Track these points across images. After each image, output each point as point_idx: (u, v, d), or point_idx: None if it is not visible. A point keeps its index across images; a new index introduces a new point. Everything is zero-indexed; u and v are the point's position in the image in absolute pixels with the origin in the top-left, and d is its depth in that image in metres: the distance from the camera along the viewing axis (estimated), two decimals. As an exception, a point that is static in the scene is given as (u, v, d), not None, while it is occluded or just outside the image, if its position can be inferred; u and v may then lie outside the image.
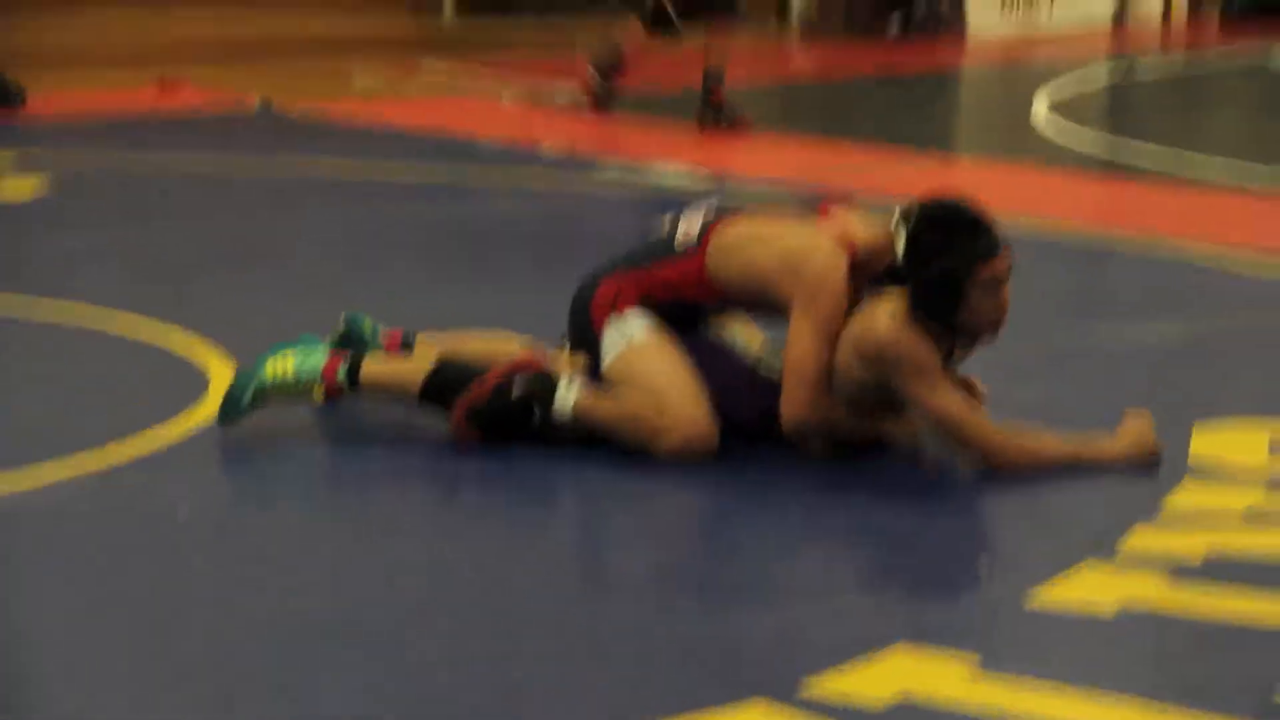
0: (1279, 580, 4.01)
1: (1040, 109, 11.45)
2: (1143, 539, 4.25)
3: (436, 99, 12.21)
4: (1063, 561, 4.12)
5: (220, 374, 5.48)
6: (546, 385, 4.84)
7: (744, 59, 15.51)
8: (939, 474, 4.72)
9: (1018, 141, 10.67)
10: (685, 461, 4.72)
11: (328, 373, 4.99)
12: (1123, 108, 12.97)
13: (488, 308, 6.42)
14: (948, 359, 4.73)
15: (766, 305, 4.85)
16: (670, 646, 3.73)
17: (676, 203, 8.40)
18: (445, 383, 4.90)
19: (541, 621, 3.85)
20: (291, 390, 4.98)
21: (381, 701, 3.47)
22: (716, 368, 4.87)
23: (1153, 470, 4.66)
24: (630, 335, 4.85)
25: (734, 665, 3.65)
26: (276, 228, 7.95)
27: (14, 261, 7.25)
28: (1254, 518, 4.39)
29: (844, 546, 4.37)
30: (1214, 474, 4.68)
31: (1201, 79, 13.74)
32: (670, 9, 10.39)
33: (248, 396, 4.94)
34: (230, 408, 4.95)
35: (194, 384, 5.41)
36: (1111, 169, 9.71)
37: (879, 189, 8.52)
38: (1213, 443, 4.87)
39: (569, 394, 4.83)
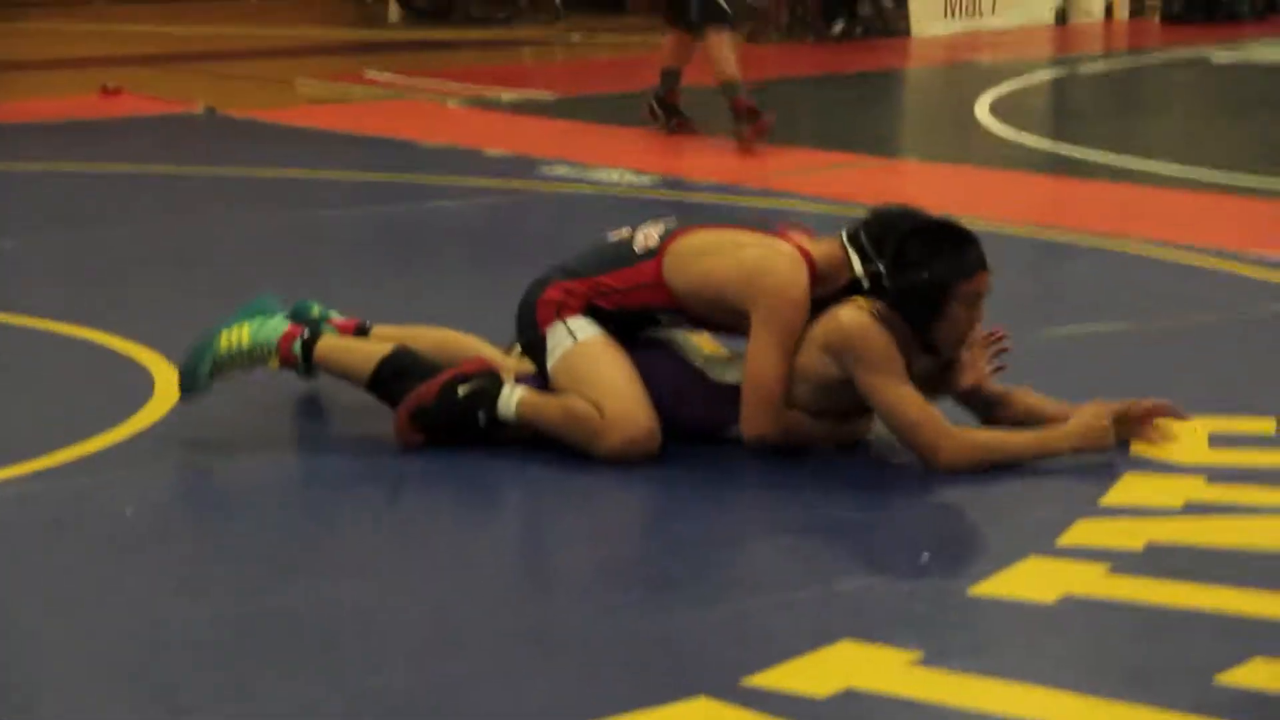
0: (1217, 570, 4.05)
1: (983, 109, 11.50)
2: (1084, 532, 4.28)
3: (381, 104, 12.20)
4: (1006, 555, 4.15)
5: (164, 375, 5.46)
6: (491, 387, 4.85)
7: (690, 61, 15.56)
8: (883, 465, 4.74)
9: (961, 142, 10.73)
10: (627, 460, 4.72)
11: (284, 342, 5.00)
12: (1066, 107, 13.05)
13: (431, 310, 6.40)
14: (907, 368, 4.76)
15: (720, 314, 4.84)
16: (615, 644, 3.74)
17: (622, 204, 8.44)
18: (396, 373, 4.90)
19: (485, 620, 3.85)
20: (247, 359, 4.98)
21: (323, 700, 3.46)
22: (661, 369, 4.88)
23: (1105, 458, 4.69)
24: (575, 335, 4.86)
25: (678, 662, 3.66)
26: (218, 231, 7.93)
27: (-45, 268, 7.22)
28: (1193, 509, 4.43)
29: (789, 542, 4.38)
30: (1155, 467, 4.72)
31: (1143, 78, 13.84)
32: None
33: (205, 368, 4.93)
34: (189, 382, 4.94)
35: (138, 387, 5.39)
36: (1055, 168, 9.77)
37: (826, 192, 8.55)
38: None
39: (512, 395, 4.84)
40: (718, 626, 3.80)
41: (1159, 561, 4.10)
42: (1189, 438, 4.90)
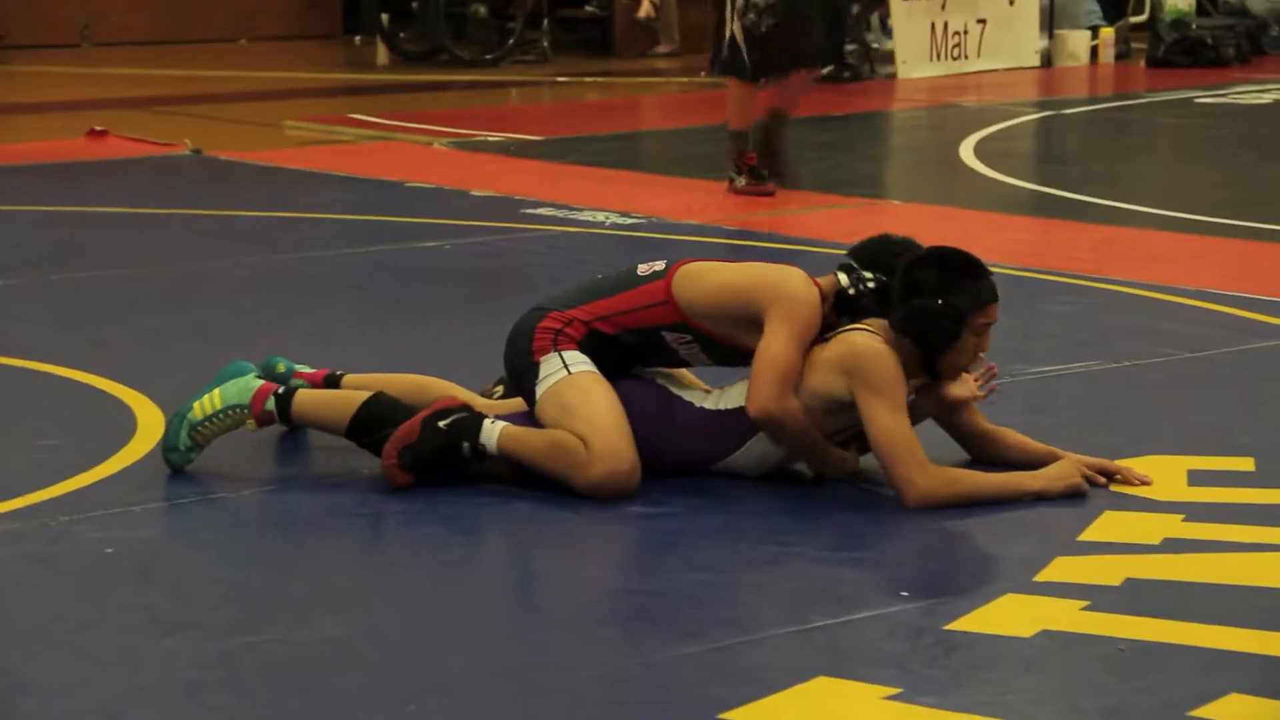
0: (1194, 606, 4.07)
1: (968, 151, 11.55)
2: (1062, 568, 4.30)
3: (368, 145, 12.24)
4: (984, 591, 4.17)
5: (147, 415, 5.48)
6: (473, 419, 4.87)
7: (676, 104, 15.61)
8: (862, 502, 4.76)
9: (946, 183, 10.77)
10: (607, 495, 4.74)
11: (256, 402, 5.01)
12: (1050, 149, 13.10)
13: (417, 349, 6.44)
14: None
15: (732, 326, 4.88)
16: (594, 681, 3.75)
17: (609, 244, 8.47)
18: (375, 417, 4.92)
19: (465, 657, 3.86)
20: (223, 422, 4.99)
21: (304, 737, 3.47)
22: (646, 399, 4.90)
23: (1077, 503, 4.72)
24: (569, 368, 4.88)
25: (657, 698, 3.67)
26: (204, 272, 7.94)
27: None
28: (1171, 546, 4.44)
29: (766, 579, 4.40)
30: (1134, 505, 4.74)
31: (1128, 121, 13.90)
32: (743, 50, 9.46)
33: (183, 438, 4.96)
34: (171, 452, 4.98)
35: (120, 426, 5.40)
36: (1039, 209, 9.80)
37: (812, 233, 8.58)
38: (1133, 474, 4.93)
39: (495, 427, 4.86)
40: (696, 663, 3.81)
41: (1136, 598, 4.12)
42: (1168, 475, 4.92)
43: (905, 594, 4.24)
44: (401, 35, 17.86)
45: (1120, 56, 17.28)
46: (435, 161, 11.32)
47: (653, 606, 4.17)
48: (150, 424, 5.37)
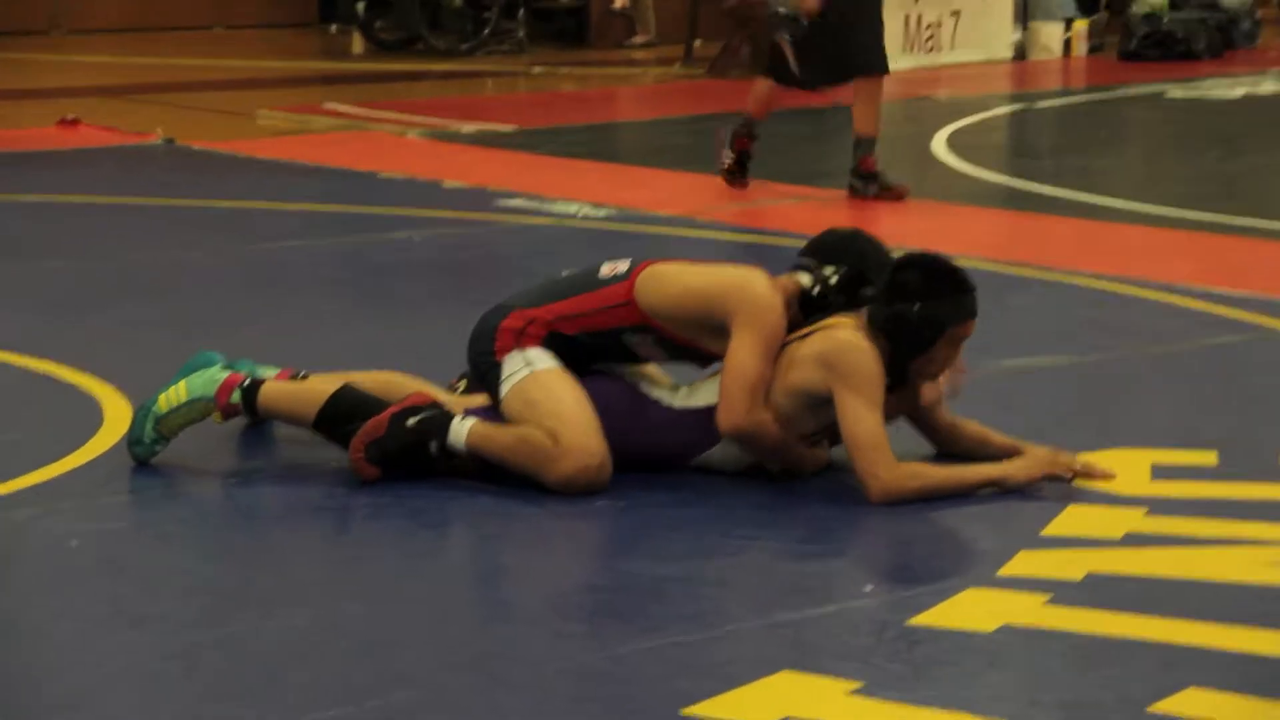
0: (1156, 601, 4.09)
1: (941, 144, 11.58)
2: (1025, 563, 4.32)
3: (342, 135, 12.23)
4: (947, 586, 4.19)
5: (114, 406, 5.48)
6: (441, 418, 4.87)
7: (652, 95, 15.61)
8: (826, 498, 4.78)
9: (919, 176, 10.79)
10: (577, 490, 4.75)
11: (221, 394, 5.01)
12: (1023, 142, 13.14)
13: (389, 340, 6.44)
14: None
15: (695, 331, 4.89)
16: (559, 675, 3.76)
17: (581, 236, 8.48)
18: (343, 410, 4.92)
19: (430, 650, 3.87)
20: (188, 415, 4.99)
21: (267, 730, 3.48)
22: (614, 397, 4.91)
23: (1039, 498, 4.74)
24: (532, 365, 4.89)
25: (622, 692, 3.68)
26: (176, 262, 7.93)
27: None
28: (1134, 541, 4.47)
29: (731, 573, 4.41)
30: (1097, 499, 4.76)
31: (1100, 114, 13.93)
32: (791, 60, 9.28)
33: (148, 430, 4.95)
34: (137, 445, 4.97)
35: (87, 418, 5.40)
36: (1011, 202, 9.84)
37: (784, 225, 8.60)
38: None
39: (463, 425, 4.86)
40: (661, 657, 3.83)
41: (1098, 592, 4.14)
42: (1132, 470, 4.95)
43: (869, 588, 4.26)
44: (377, 24, 17.85)
45: (1093, 50, 17.33)
46: (409, 152, 11.32)
47: (618, 601, 4.18)
48: (117, 416, 5.37)
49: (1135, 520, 4.59)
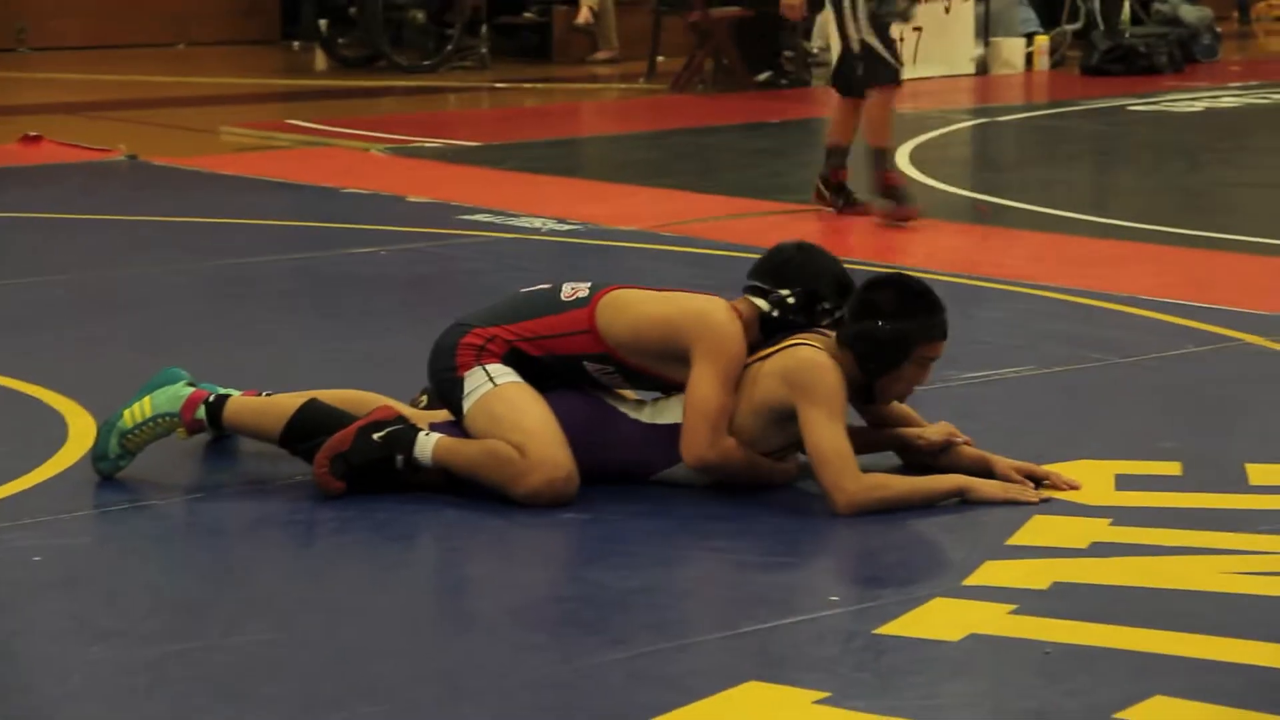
0: (1121, 610, 4.10)
1: (904, 158, 11.60)
2: (991, 572, 4.33)
3: (305, 151, 12.21)
4: (913, 596, 4.20)
5: (79, 422, 5.46)
6: (407, 432, 4.86)
7: (615, 110, 15.63)
8: (792, 509, 4.78)
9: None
10: (545, 503, 4.75)
11: (186, 410, 5.00)
12: (985, 156, 13.18)
13: (352, 356, 6.43)
14: None
15: (654, 360, 4.89)
16: (525, 686, 3.75)
17: (544, 251, 8.48)
18: (308, 425, 4.91)
19: (396, 662, 3.86)
20: (153, 430, 4.98)
21: (233, 743, 3.47)
22: (579, 411, 4.91)
23: (1005, 507, 4.75)
24: (494, 380, 4.88)
25: (588, 703, 3.68)
26: (139, 279, 7.91)
27: None
28: (1099, 550, 4.48)
29: (697, 585, 4.42)
30: (1062, 509, 4.77)
31: (1062, 128, 13.98)
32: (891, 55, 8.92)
33: (113, 446, 4.94)
34: (101, 460, 4.96)
35: (51, 433, 5.38)
36: (973, 215, 9.86)
37: (748, 239, 8.60)
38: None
39: (429, 439, 4.86)
40: (625, 669, 3.83)
41: (1064, 601, 4.15)
42: (1096, 480, 4.96)
43: (835, 598, 4.27)
44: (340, 41, 17.83)
45: (1055, 65, 17.40)
46: (372, 167, 11.30)
47: (584, 612, 4.18)
48: (82, 431, 5.35)
49: (1100, 530, 4.61)
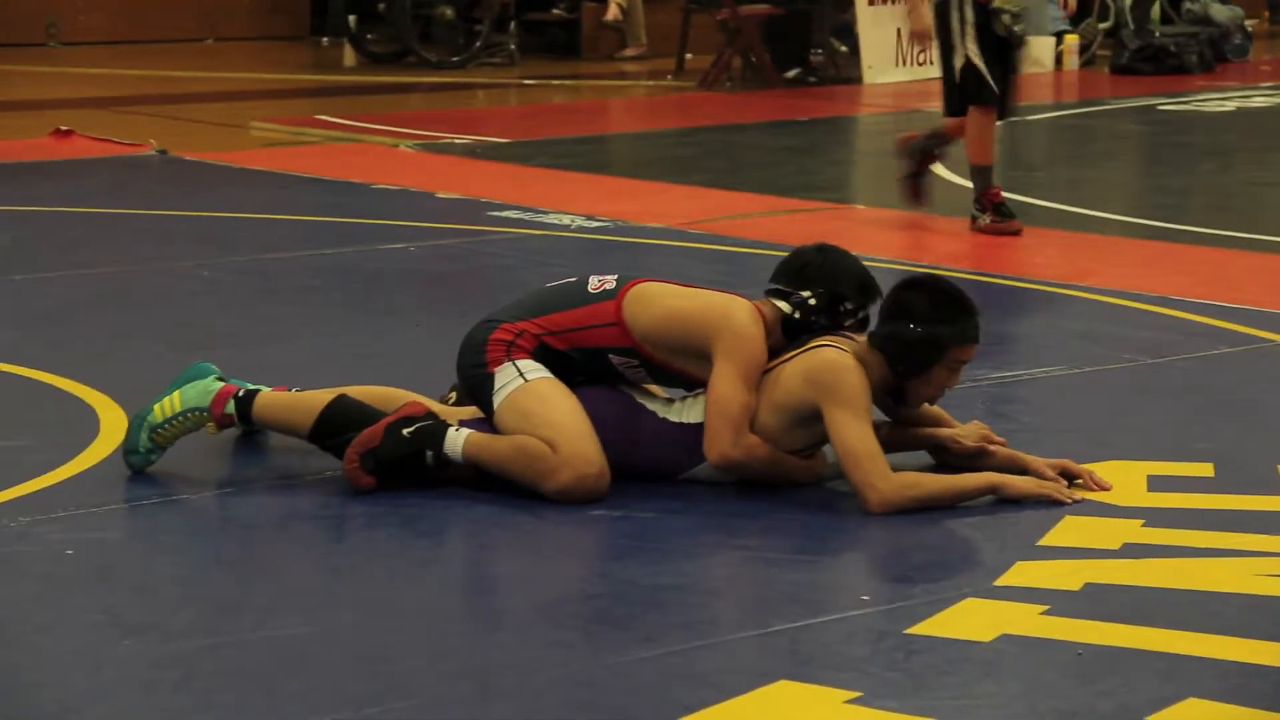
0: (1153, 611, 4.09)
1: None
2: (1022, 573, 4.31)
3: (334, 146, 12.22)
4: (944, 596, 4.18)
5: (110, 416, 5.47)
6: (437, 427, 4.87)
7: (643, 107, 15.62)
8: (823, 508, 4.77)
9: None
10: (576, 500, 4.74)
11: (215, 405, 5.00)
12: (1014, 155, 13.14)
13: (378, 351, 6.44)
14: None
15: (678, 355, 4.89)
16: (555, 684, 3.75)
17: (573, 247, 8.47)
18: (338, 420, 4.91)
19: (425, 659, 3.87)
20: (182, 425, 4.99)
21: (263, 739, 3.47)
22: (610, 409, 4.91)
23: (1037, 507, 4.73)
24: (525, 375, 4.88)
25: (618, 702, 3.68)
26: (170, 273, 7.92)
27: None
28: (1131, 551, 4.47)
29: (728, 583, 4.41)
30: (1093, 510, 4.76)
31: (1092, 128, 13.95)
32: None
33: (143, 440, 4.95)
34: (132, 455, 4.97)
35: (83, 427, 5.39)
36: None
37: (775, 237, 8.59)
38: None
39: (459, 435, 4.86)
40: (656, 666, 3.82)
41: (1096, 603, 4.14)
42: (1128, 481, 4.95)
43: (866, 598, 4.26)
44: (369, 37, 17.85)
45: (1085, 64, 17.35)
46: (401, 163, 11.31)
47: (614, 610, 4.17)
48: (113, 425, 5.36)
49: (1132, 531, 4.59)
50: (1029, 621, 4.02)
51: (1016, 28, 8.65)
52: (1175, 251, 8.53)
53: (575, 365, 4.94)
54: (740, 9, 15.79)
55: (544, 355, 4.92)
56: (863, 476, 4.70)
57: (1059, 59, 17.21)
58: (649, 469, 4.92)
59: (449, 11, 17.31)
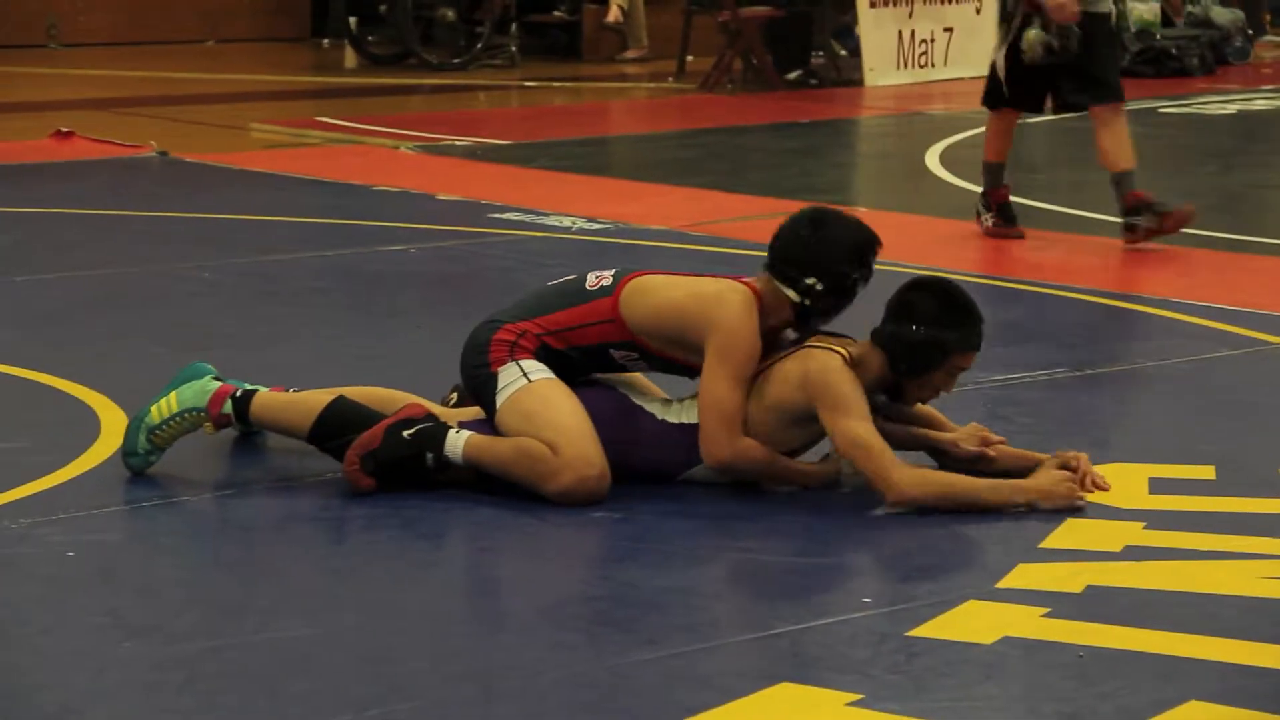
0: (1155, 614, 4.09)
1: (934, 159, 11.59)
2: (1024, 575, 4.31)
3: (335, 148, 12.22)
4: (946, 598, 4.18)
5: (111, 417, 5.46)
6: (438, 429, 4.86)
7: (644, 109, 15.62)
8: (824, 510, 4.77)
9: (912, 190, 10.80)
10: (577, 502, 4.74)
11: (213, 405, 5.00)
12: (1014, 157, 13.13)
13: (378, 353, 6.43)
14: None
15: (676, 348, 4.89)
16: (557, 686, 3.75)
17: (574, 249, 8.47)
18: (338, 421, 4.91)
19: (428, 661, 3.86)
20: (180, 426, 4.99)
21: (264, 740, 3.47)
22: (611, 410, 4.90)
23: (1039, 510, 4.73)
24: (528, 376, 4.88)
25: (620, 704, 3.68)
26: (170, 275, 7.92)
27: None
28: (1133, 554, 4.46)
29: (730, 585, 4.41)
30: (1095, 512, 4.76)
31: (1093, 130, 13.92)
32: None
33: (141, 442, 4.95)
34: (131, 456, 4.97)
35: (83, 428, 5.39)
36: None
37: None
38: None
39: (460, 437, 4.85)
40: (659, 668, 3.82)
41: (1097, 605, 4.13)
42: (1129, 483, 4.94)
43: (868, 600, 4.26)
44: (369, 39, 17.85)
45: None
46: (402, 165, 11.31)
47: (616, 612, 4.17)
48: (113, 426, 5.35)
49: (1134, 534, 4.59)
50: (1030, 624, 4.02)
51: (1042, 61, 8.52)
52: (1176, 254, 8.52)
53: (575, 365, 4.94)
54: (741, 11, 15.79)
55: (545, 356, 4.92)
56: (880, 474, 4.70)
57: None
58: (648, 470, 4.91)
59: (450, 13, 17.31)
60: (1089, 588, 4.23)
